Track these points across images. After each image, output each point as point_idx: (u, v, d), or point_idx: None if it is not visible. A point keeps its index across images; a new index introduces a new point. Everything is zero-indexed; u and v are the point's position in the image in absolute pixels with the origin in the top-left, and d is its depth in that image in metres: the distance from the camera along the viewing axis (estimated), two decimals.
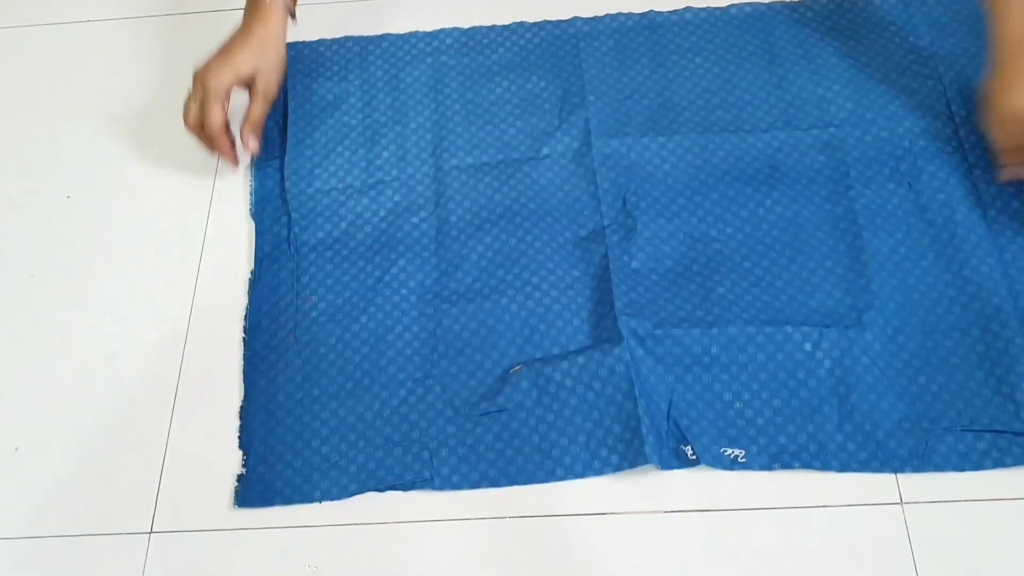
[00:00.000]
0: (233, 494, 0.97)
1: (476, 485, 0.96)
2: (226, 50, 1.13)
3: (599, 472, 0.95)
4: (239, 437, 1.00)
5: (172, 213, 1.16)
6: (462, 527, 0.93)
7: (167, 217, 1.16)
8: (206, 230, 1.14)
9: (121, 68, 1.30)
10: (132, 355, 1.06)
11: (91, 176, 1.20)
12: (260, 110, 1.15)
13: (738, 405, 0.97)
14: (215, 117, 1.11)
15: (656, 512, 0.93)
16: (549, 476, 0.95)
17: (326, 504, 0.95)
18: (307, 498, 0.96)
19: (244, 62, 1.12)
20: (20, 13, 1.38)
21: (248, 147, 1.15)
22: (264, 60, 1.14)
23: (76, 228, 1.16)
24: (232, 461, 0.99)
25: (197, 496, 0.97)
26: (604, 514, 0.93)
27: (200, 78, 1.12)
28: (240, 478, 0.97)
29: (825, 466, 0.93)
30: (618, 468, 0.94)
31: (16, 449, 1.02)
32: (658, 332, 1.00)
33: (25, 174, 1.22)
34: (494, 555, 0.92)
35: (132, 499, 0.98)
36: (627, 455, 0.95)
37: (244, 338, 1.06)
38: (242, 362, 1.04)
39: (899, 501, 0.91)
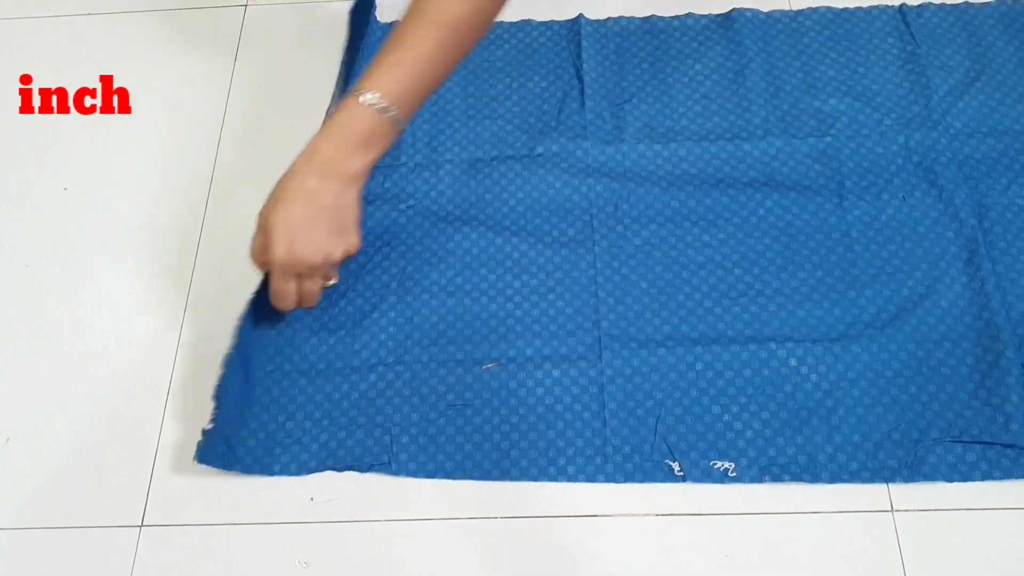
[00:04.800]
0: (196, 448, 0.96)
1: (432, 475, 0.95)
2: (316, 221, 0.91)
3: (553, 478, 0.94)
4: (216, 386, 0.98)
5: (169, 206, 1.16)
6: (452, 526, 0.93)
7: (164, 210, 1.15)
8: (203, 223, 1.14)
9: (120, 60, 1.30)
10: (126, 347, 1.06)
11: (88, 167, 1.20)
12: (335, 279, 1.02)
13: (727, 418, 0.96)
14: (312, 301, 0.99)
15: (647, 515, 0.92)
16: (504, 475, 0.95)
17: (318, 500, 0.95)
18: (266, 470, 0.96)
19: (338, 249, 0.94)
20: (20, 5, 1.37)
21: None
22: (357, 236, 0.96)
23: (73, 219, 1.16)
24: None
25: (188, 490, 0.97)
26: (594, 516, 0.93)
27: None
28: (205, 433, 0.96)
29: (815, 478, 0.92)
30: (572, 479, 0.94)
31: (8, 440, 1.01)
32: (643, 352, 1.00)
33: (22, 165, 1.21)
34: (483, 555, 0.92)
35: (123, 492, 0.97)
36: (584, 469, 0.95)
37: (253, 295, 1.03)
38: (243, 311, 1.02)
39: (890, 509, 0.91)
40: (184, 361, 1.05)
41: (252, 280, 1.06)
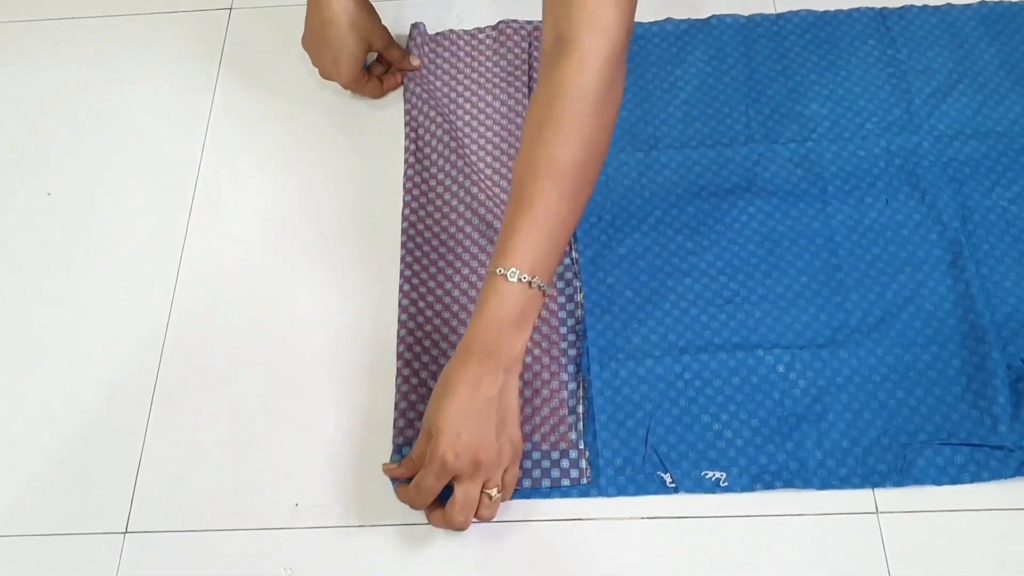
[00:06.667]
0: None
1: None
2: (331, 43, 1.14)
3: (546, 495, 0.93)
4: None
5: (153, 212, 1.14)
6: (439, 531, 0.91)
7: (148, 216, 1.14)
8: (187, 230, 1.12)
9: (104, 65, 1.28)
10: (110, 355, 1.04)
11: (72, 174, 1.18)
12: (397, 52, 1.21)
13: (716, 427, 0.95)
14: (373, 94, 1.21)
15: (632, 518, 0.91)
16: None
17: (302, 507, 0.94)
18: None
19: (358, 47, 1.15)
20: (1, 10, 1.35)
21: (415, 65, 1.23)
22: (367, 29, 1.15)
23: (56, 226, 1.14)
24: (207, 462, 0.97)
25: (172, 496, 0.95)
26: (580, 519, 0.92)
27: (334, 79, 1.18)
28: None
29: (806, 484, 0.91)
30: (566, 494, 0.93)
31: None
32: (631, 363, 0.98)
33: (5, 170, 1.19)
34: (469, 559, 0.90)
35: (108, 499, 0.96)
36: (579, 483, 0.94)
37: None
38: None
39: (875, 511, 0.90)
40: (168, 369, 1.03)
41: (235, 287, 1.06)
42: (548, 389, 0.98)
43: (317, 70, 1.19)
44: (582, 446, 0.94)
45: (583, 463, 0.93)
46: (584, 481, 0.92)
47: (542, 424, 0.95)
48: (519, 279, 0.86)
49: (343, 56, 1.14)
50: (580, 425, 0.95)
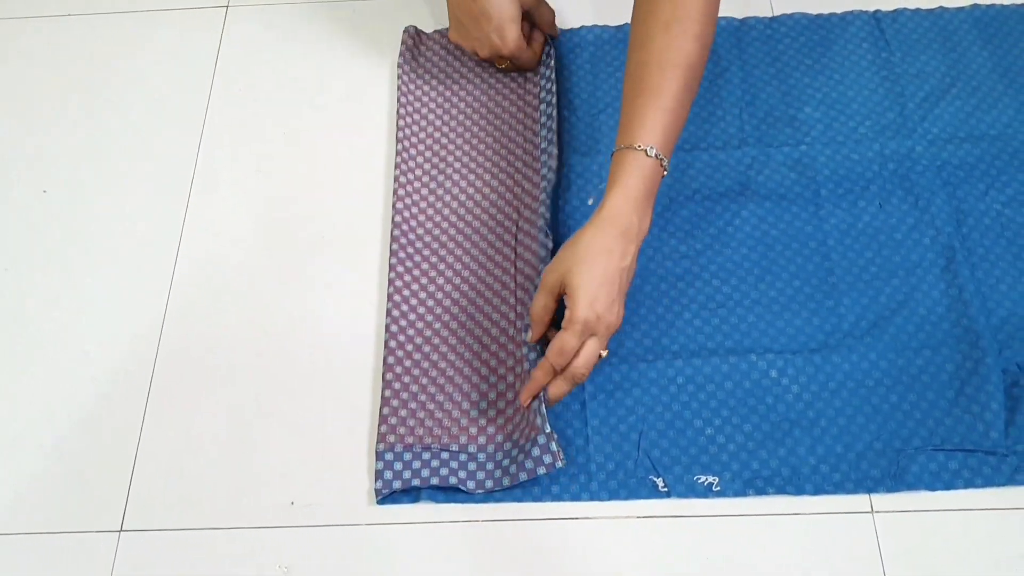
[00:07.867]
0: None
1: (416, 499, 0.93)
2: (490, 12, 1.12)
3: (537, 499, 0.93)
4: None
5: (150, 210, 1.13)
6: (435, 530, 0.91)
7: (144, 214, 1.13)
8: (183, 226, 1.12)
9: (100, 62, 1.28)
10: (107, 352, 1.04)
11: (68, 171, 1.18)
12: (547, 10, 1.20)
13: (709, 431, 0.94)
14: (530, 63, 1.19)
15: (629, 517, 0.91)
16: (487, 496, 0.93)
17: (298, 504, 0.93)
18: None
19: (515, 9, 1.13)
20: None
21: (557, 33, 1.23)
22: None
23: (52, 223, 1.13)
24: (203, 460, 0.97)
25: (168, 495, 0.95)
26: (577, 519, 0.91)
27: (499, 50, 1.15)
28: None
29: (799, 490, 0.91)
30: (557, 498, 0.93)
31: None
32: (624, 367, 0.98)
33: (1, 167, 1.19)
34: (465, 558, 0.90)
35: (103, 497, 0.96)
36: (569, 488, 0.93)
37: None
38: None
39: (870, 510, 0.90)
40: (164, 366, 1.02)
41: (231, 283, 1.05)
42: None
43: (476, 53, 1.18)
44: (548, 429, 0.91)
45: (553, 446, 0.90)
46: (559, 464, 0.90)
47: (521, 422, 0.95)
48: (655, 155, 0.92)
49: (505, 21, 1.13)
50: (543, 408, 0.92)
